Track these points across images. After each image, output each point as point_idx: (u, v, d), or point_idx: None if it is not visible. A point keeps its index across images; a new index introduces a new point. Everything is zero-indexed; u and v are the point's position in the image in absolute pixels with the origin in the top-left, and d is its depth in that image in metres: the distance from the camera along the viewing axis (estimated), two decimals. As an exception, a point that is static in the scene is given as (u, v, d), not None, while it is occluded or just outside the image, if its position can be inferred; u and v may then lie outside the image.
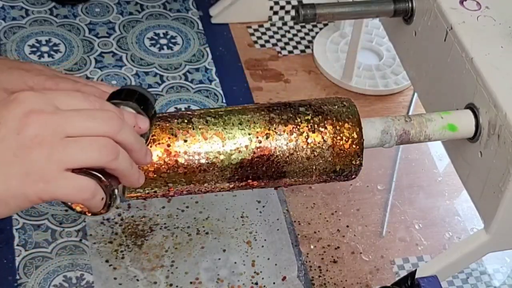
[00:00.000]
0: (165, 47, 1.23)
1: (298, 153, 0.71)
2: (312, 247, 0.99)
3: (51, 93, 0.60)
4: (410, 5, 0.90)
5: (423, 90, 0.90)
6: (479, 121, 0.77)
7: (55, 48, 1.20)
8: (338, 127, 0.71)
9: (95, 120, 0.59)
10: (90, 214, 0.61)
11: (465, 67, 0.79)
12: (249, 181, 0.71)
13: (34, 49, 1.19)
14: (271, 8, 1.29)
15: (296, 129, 0.71)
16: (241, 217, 1.00)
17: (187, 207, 1.01)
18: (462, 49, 0.80)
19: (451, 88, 0.83)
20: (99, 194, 0.59)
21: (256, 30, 1.28)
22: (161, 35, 1.25)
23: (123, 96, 0.64)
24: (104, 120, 0.59)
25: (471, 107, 0.78)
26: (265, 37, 1.28)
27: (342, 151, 0.71)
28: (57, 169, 0.57)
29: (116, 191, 0.61)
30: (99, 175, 0.59)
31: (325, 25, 1.31)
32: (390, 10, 0.91)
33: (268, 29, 1.29)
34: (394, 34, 0.97)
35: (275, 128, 0.70)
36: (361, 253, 0.99)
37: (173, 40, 1.24)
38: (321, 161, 0.71)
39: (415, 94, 1.18)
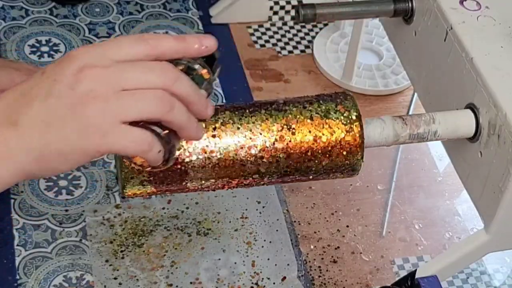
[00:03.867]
0: (165, 47, 1.23)
1: (301, 149, 0.71)
2: (312, 247, 0.99)
3: (105, 44, 0.60)
4: (410, 5, 0.90)
5: (423, 90, 0.90)
6: (479, 121, 0.77)
7: (55, 48, 1.20)
8: (338, 122, 0.71)
9: (149, 73, 0.59)
10: (149, 168, 0.62)
11: (465, 67, 0.79)
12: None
13: (34, 49, 1.19)
14: (271, 8, 1.29)
15: (299, 125, 0.71)
16: (241, 217, 1.00)
17: (187, 208, 1.01)
18: (462, 49, 0.80)
19: (451, 88, 0.83)
20: (156, 147, 0.59)
21: (256, 30, 1.28)
22: (161, 35, 1.25)
23: None
24: (158, 72, 0.59)
25: (471, 107, 0.78)
26: (265, 37, 1.28)
27: (342, 147, 0.72)
28: (113, 122, 0.57)
29: (175, 144, 0.61)
30: (156, 128, 0.59)
31: (325, 25, 1.31)
32: (390, 10, 0.91)
33: (268, 29, 1.29)
34: (394, 34, 0.97)
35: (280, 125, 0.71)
36: (361, 253, 0.99)
37: (173, 40, 1.24)
38: (321, 157, 0.72)
39: (415, 94, 1.18)
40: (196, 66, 0.63)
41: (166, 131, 0.60)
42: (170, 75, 0.59)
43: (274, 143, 0.70)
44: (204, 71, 0.63)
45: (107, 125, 0.57)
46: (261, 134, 0.69)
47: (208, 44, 0.63)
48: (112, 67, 0.58)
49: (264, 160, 0.70)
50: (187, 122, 0.61)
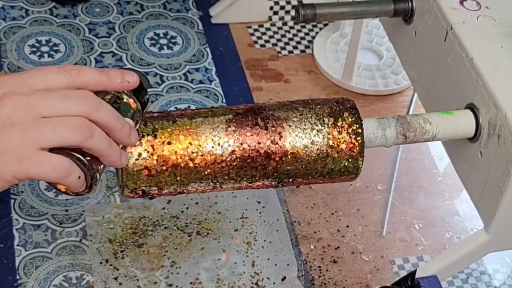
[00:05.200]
0: (165, 47, 1.23)
1: (299, 153, 0.71)
2: (312, 247, 0.99)
3: (26, 73, 0.60)
4: (410, 5, 0.90)
5: (423, 90, 0.91)
6: (479, 121, 0.77)
7: (55, 48, 1.20)
8: (339, 128, 0.71)
9: (68, 100, 0.59)
10: (73, 194, 0.62)
11: (465, 67, 0.79)
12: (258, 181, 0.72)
13: (34, 49, 1.19)
14: (271, 8, 1.29)
15: (298, 129, 0.71)
16: (241, 217, 1.00)
17: (187, 208, 1.01)
18: (462, 49, 0.80)
19: (451, 88, 0.83)
20: (74, 172, 0.59)
21: (256, 30, 1.28)
22: (161, 35, 1.25)
23: None
24: (77, 100, 0.59)
25: (471, 107, 0.78)
26: (265, 37, 1.28)
27: (342, 152, 0.71)
28: (31, 149, 0.58)
29: (98, 170, 0.62)
30: (76, 154, 0.60)
31: (325, 25, 1.31)
32: (390, 10, 0.92)
33: (268, 29, 1.29)
34: (394, 34, 0.97)
35: (276, 128, 0.71)
36: (361, 253, 0.99)
37: (173, 40, 1.24)
38: (321, 162, 0.72)
39: (415, 94, 1.18)
40: (123, 96, 0.64)
41: (88, 158, 0.61)
42: (90, 102, 0.60)
43: (266, 149, 0.70)
44: (131, 101, 0.64)
45: (24, 151, 0.58)
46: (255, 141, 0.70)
47: (130, 79, 0.64)
48: (32, 95, 0.59)
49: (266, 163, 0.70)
50: (107, 148, 0.61)
